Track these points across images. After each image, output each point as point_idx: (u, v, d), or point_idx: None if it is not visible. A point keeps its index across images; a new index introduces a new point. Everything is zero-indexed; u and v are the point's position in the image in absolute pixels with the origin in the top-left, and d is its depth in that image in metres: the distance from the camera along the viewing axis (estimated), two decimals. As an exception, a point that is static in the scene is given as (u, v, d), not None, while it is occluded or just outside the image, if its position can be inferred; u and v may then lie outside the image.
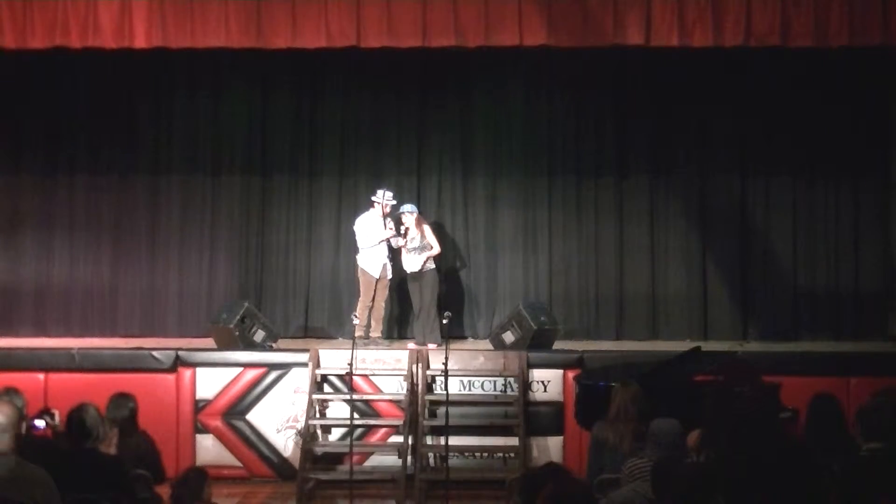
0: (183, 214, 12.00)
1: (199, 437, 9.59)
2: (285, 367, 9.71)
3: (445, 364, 8.37)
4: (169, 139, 12.03)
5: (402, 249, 10.61)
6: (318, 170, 12.06)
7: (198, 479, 5.55)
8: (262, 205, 12.02)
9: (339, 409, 9.57)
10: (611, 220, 11.94)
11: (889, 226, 11.67)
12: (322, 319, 11.88)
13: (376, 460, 9.48)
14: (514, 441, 9.24)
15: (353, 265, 10.98)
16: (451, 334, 8.53)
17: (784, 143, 11.79)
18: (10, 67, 11.01)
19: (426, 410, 9.40)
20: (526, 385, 9.51)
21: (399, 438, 9.26)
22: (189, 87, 12.05)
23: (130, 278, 11.88)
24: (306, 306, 11.93)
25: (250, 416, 9.63)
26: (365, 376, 9.61)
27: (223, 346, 10.08)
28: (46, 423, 6.06)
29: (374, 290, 10.58)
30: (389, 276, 10.81)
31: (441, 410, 8.75)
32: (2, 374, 8.77)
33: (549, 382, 9.56)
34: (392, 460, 9.22)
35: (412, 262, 10.55)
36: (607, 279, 11.89)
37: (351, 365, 8.72)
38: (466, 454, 9.25)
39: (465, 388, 9.57)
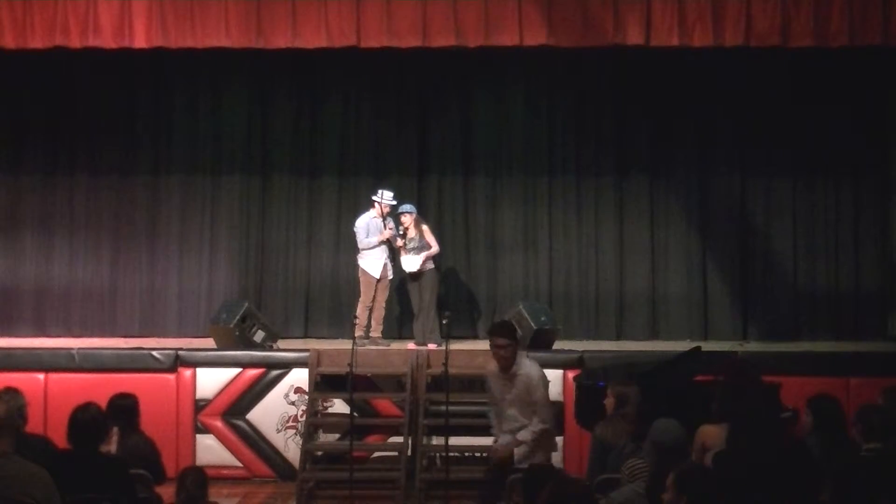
0: (183, 214, 12.00)
1: (199, 437, 9.58)
2: (285, 367, 9.70)
3: (445, 364, 8.35)
4: (169, 139, 12.03)
5: (401, 249, 10.61)
6: (318, 170, 12.07)
7: (199, 480, 5.54)
8: (262, 205, 12.02)
9: (339, 409, 9.56)
10: (611, 220, 11.94)
11: (889, 226, 11.67)
12: (322, 319, 11.88)
13: (376, 460, 9.47)
14: (514, 441, 9.21)
15: (354, 265, 10.98)
16: (451, 334, 8.50)
17: (784, 143, 11.79)
18: (10, 67, 11.01)
19: (426, 410, 9.39)
20: (526, 385, 9.48)
21: (399, 438, 9.25)
22: (189, 87, 12.06)
23: (130, 278, 11.88)
24: (306, 306, 11.94)
25: (250, 416, 9.63)
26: (365, 376, 9.60)
27: (223, 346, 10.08)
28: None
29: (375, 291, 10.58)
30: (390, 276, 10.81)
31: (441, 410, 8.74)
32: (2, 374, 8.77)
33: (549, 382, 9.53)
34: (392, 460, 9.22)
35: (411, 262, 10.54)
36: (607, 279, 11.89)
37: (351, 365, 8.72)
38: (466, 454, 9.25)
39: (465, 388, 9.56)
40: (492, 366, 6.99)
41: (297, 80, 12.00)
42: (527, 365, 6.84)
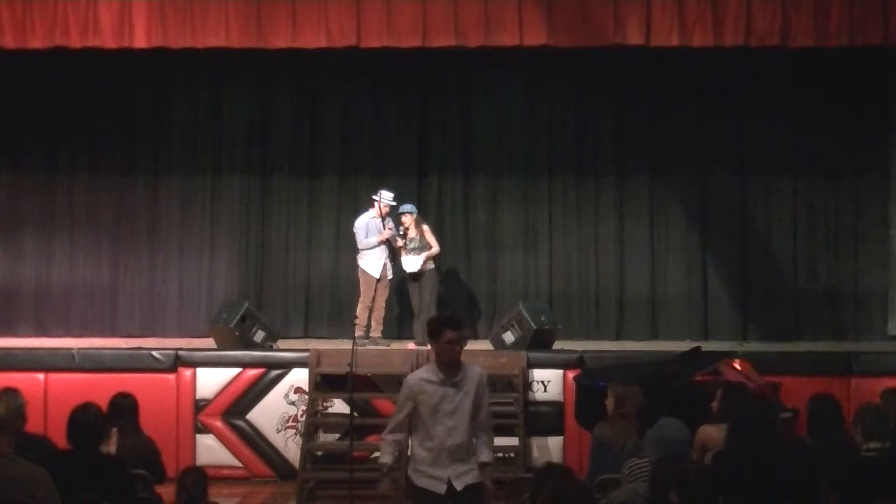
0: (183, 214, 12.00)
1: (199, 437, 9.58)
2: (285, 367, 9.71)
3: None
4: (169, 139, 12.04)
5: (401, 250, 10.61)
6: (318, 170, 12.07)
7: (199, 480, 5.54)
8: (262, 205, 12.02)
9: (339, 409, 9.56)
10: (611, 220, 11.95)
11: (889, 226, 11.67)
12: (322, 319, 11.88)
13: (376, 460, 9.44)
14: (514, 441, 9.23)
15: (354, 265, 10.98)
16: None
17: (784, 143, 11.79)
18: (10, 67, 11.02)
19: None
20: (526, 385, 9.50)
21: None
22: (189, 87, 12.06)
23: (130, 278, 11.89)
24: (306, 306, 11.94)
25: (250, 416, 9.63)
26: (365, 376, 9.60)
27: (223, 346, 10.07)
28: None
29: (375, 291, 10.58)
30: (390, 276, 10.81)
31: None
32: (2, 374, 8.77)
33: (549, 382, 9.56)
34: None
35: (411, 263, 10.54)
36: (607, 279, 11.89)
37: (351, 365, 8.72)
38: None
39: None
40: (424, 372, 5.72)
41: (297, 81, 12.00)
42: (469, 365, 5.64)
